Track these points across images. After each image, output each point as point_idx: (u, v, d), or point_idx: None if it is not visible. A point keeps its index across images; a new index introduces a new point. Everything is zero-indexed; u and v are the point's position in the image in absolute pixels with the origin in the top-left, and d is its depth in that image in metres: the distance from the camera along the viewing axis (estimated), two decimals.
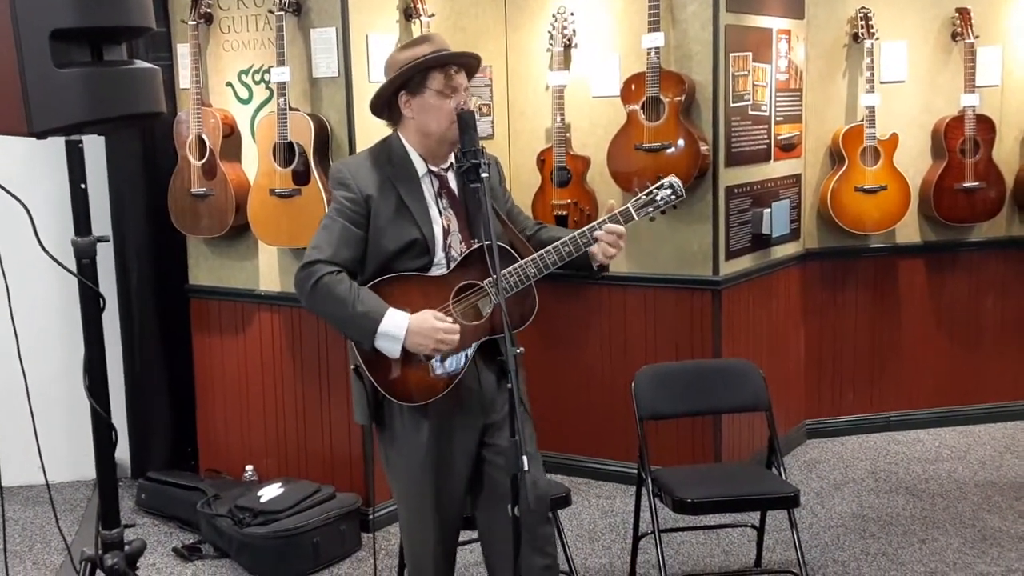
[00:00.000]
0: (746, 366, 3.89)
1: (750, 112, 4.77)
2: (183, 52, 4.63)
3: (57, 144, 2.61)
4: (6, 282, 2.67)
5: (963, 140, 5.21)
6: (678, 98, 4.45)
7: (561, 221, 4.74)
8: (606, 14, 4.73)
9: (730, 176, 4.66)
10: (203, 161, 4.50)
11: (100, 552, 2.68)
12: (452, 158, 2.81)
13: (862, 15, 5.14)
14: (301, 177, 4.23)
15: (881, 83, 5.14)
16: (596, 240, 2.76)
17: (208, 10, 4.52)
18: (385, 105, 2.81)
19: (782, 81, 5.02)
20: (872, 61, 5.08)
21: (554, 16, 4.77)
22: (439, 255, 2.75)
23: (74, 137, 2.54)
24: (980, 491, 4.69)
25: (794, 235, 5.24)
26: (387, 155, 2.79)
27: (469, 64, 2.80)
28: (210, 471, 4.86)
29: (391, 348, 2.66)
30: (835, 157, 5.26)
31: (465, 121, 2.65)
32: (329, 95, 4.28)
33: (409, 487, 2.85)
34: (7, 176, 2.72)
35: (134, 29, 2.51)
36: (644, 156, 4.51)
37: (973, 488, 4.73)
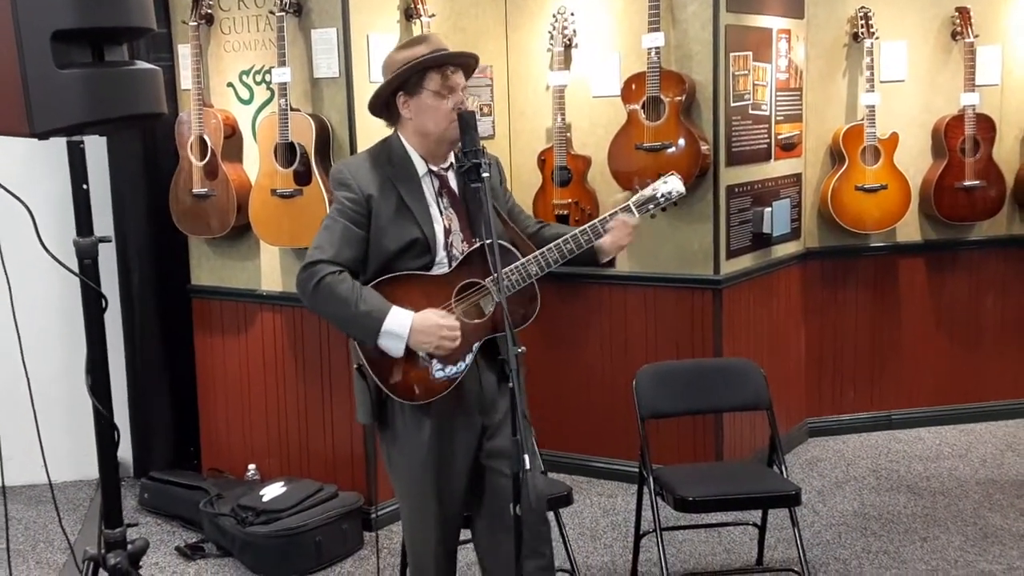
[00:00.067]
0: (747, 365, 3.89)
1: (750, 111, 4.77)
2: (184, 53, 4.64)
3: (58, 144, 2.61)
4: (8, 282, 2.68)
5: (963, 139, 5.21)
6: (678, 98, 4.46)
7: (562, 221, 4.74)
8: (606, 14, 4.74)
9: (731, 175, 4.66)
10: (205, 161, 4.51)
11: (103, 551, 2.69)
12: (452, 157, 2.81)
13: (862, 15, 5.14)
14: (302, 177, 4.24)
15: (881, 82, 5.15)
16: (606, 232, 2.79)
17: (209, 11, 4.53)
18: (383, 106, 2.81)
19: (782, 80, 5.03)
20: (872, 60, 5.08)
21: (554, 16, 4.78)
22: (440, 254, 2.75)
23: (75, 138, 2.55)
24: (981, 489, 4.69)
25: (795, 234, 5.24)
26: (387, 155, 2.79)
27: (466, 64, 2.79)
28: (212, 470, 4.88)
29: (395, 346, 2.67)
30: (835, 156, 5.26)
31: (466, 121, 2.64)
32: (330, 95, 4.28)
33: (411, 486, 2.86)
34: (9, 176, 2.72)
35: (135, 30, 2.52)
36: (645, 156, 4.51)
37: (974, 486, 4.73)
